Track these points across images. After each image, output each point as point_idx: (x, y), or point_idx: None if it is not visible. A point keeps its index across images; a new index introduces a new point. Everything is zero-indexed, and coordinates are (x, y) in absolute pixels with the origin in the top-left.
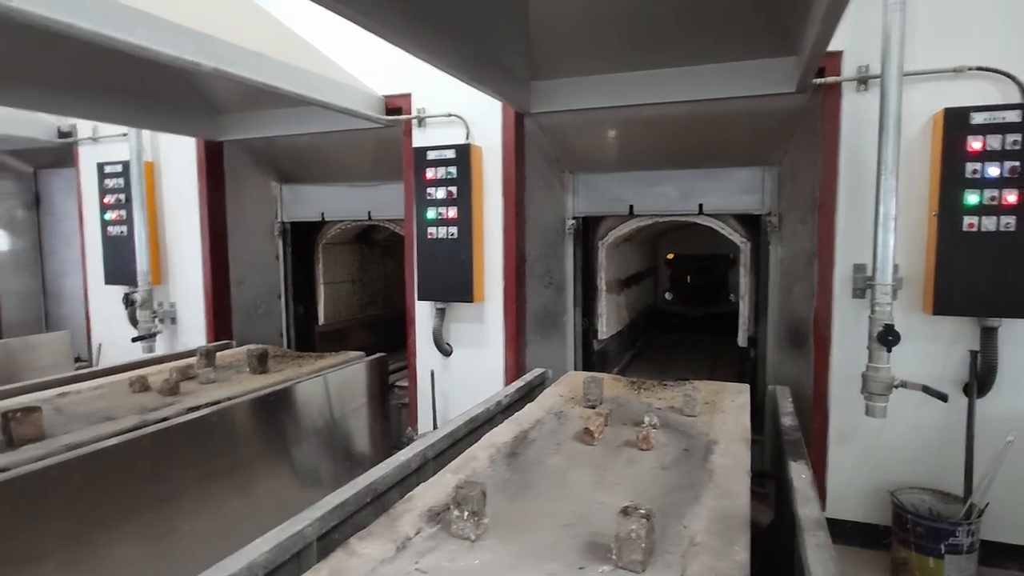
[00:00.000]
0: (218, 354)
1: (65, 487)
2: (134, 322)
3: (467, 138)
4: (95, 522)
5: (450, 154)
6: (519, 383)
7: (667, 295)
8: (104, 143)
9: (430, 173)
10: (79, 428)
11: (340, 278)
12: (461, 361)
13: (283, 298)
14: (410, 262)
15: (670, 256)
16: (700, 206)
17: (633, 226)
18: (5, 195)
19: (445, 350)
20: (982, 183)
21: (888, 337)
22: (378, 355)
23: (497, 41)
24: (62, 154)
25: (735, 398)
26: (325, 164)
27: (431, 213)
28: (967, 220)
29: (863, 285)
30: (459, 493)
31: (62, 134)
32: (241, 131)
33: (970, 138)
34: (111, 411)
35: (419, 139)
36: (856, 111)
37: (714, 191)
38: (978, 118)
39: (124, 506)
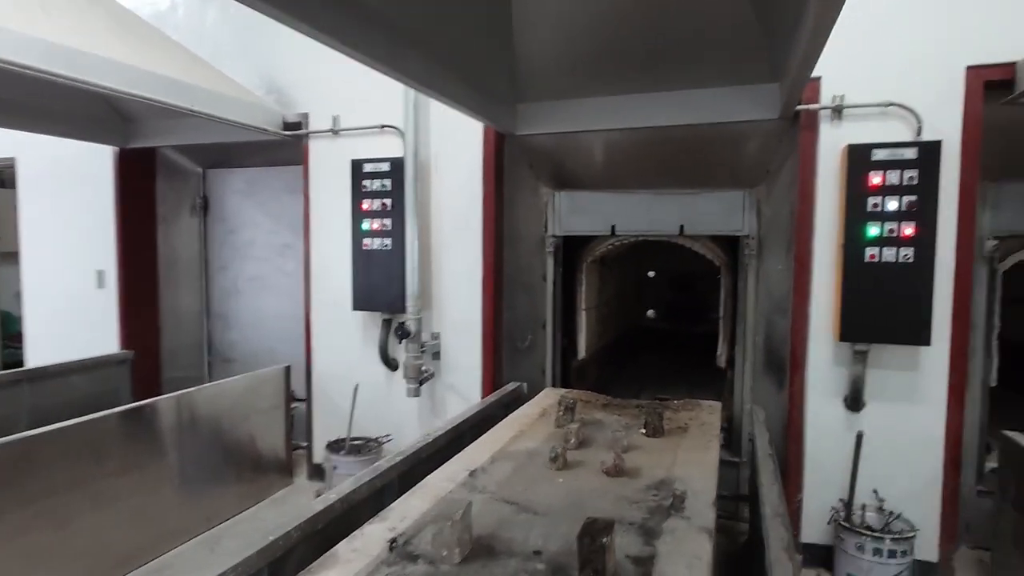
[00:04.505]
0: (526, 405)
1: None
2: (385, 357)
3: (919, 134)
4: None
5: (909, 153)
6: None
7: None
8: (347, 137)
9: (875, 179)
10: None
11: (590, 303)
12: (877, 420)
13: (549, 327)
14: (802, 287)
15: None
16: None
17: None
18: (165, 199)
19: (860, 404)
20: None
21: None
22: (754, 409)
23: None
24: (231, 152)
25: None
26: (626, 167)
27: (874, 230)
28: None
29: None
30: None
31: (288, 125)
32: (544, 123)
33: None
34: (595, 506)
35: (835, 136)
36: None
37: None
38: None
39: None
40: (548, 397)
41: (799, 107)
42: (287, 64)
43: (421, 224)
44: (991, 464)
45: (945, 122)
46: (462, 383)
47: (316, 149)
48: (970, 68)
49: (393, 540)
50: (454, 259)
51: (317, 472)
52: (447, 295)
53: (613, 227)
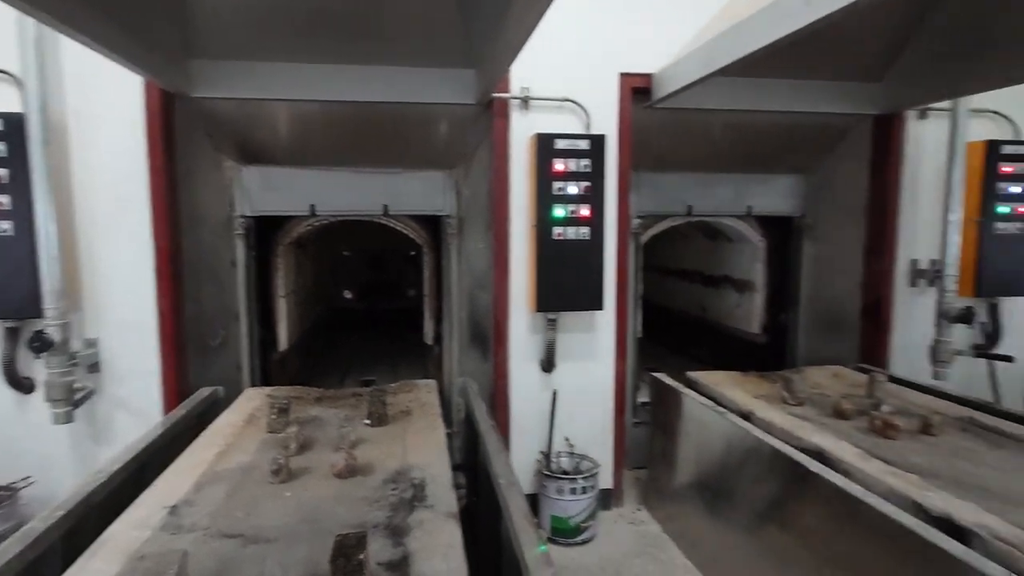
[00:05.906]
0: (226, 413)
1: None
2: (13, 378)
3: (588, 128)
4: None
5: (583, 144)
6: None
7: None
8: None
9: (559, 166)
10: None
11: (288, 289)
12: (566, 377)
13: (243, 319)
14: (502, 265)
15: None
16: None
17: None
18: None
19: (553, 365)
20: None
21: None
22: (467, 382)
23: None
24: None
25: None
26: (324, 142)
27: (560, 211)
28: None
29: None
30: None
31: None
32: (225, 86)
33: None
34: (333, 515)
35: (523, 125)
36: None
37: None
38: None
39: None
40: (252, 399)
41: (493, 95)
42: None
43: (61, 202)
44: (641, 399)
45: (606, 119)
46: (136, 396)
47: None
48: (623, 75)
49: None
50: (114, 245)
51: None
52: (107, 290)
53: (313, 207)
